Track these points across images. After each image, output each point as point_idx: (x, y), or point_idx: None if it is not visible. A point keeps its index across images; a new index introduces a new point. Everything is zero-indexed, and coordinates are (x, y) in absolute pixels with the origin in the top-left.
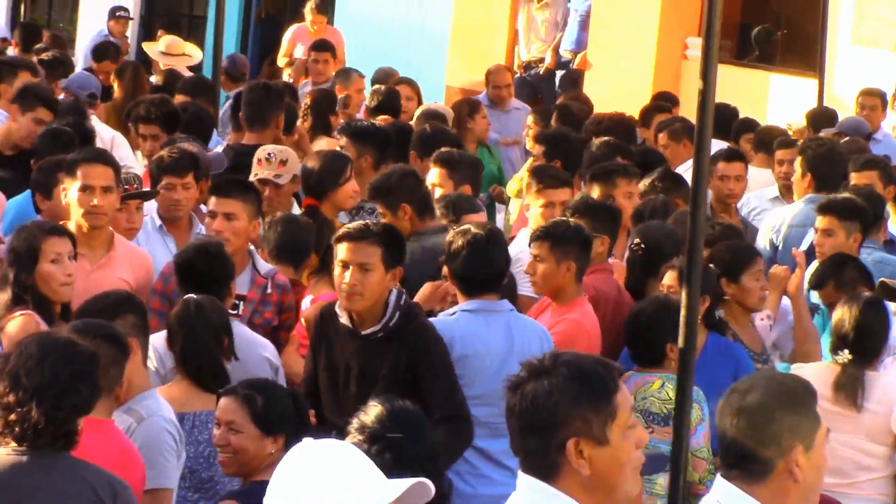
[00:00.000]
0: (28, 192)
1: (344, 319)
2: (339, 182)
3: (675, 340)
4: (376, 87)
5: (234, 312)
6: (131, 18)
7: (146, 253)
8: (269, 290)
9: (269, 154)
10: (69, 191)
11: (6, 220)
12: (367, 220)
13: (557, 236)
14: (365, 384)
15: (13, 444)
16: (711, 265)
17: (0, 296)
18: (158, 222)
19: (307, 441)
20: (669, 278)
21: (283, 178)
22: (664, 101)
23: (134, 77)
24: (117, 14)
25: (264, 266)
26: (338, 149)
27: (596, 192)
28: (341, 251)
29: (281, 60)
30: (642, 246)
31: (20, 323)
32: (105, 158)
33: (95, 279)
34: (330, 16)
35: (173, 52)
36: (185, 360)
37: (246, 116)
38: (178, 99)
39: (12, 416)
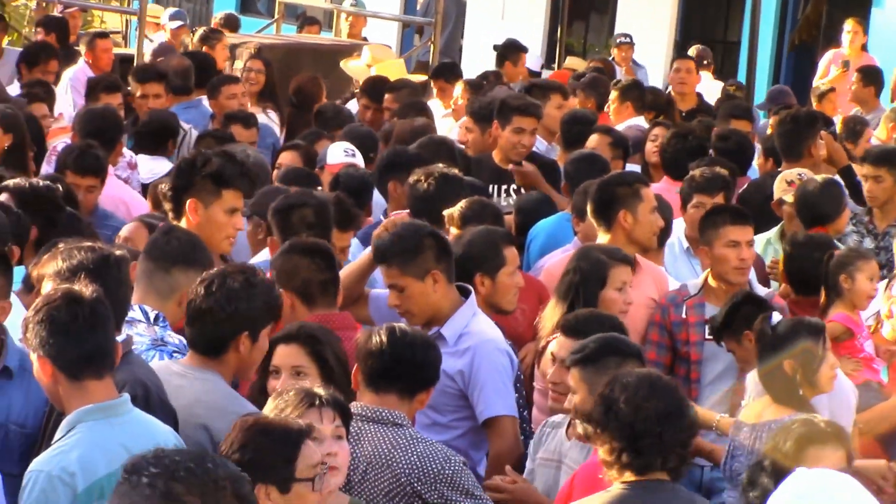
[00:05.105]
0: (561, 215)
1: None
2: (840, 210)
3: None
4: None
5: None
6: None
7: (663, 271)
8: None
9: (799, 174)
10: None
11: (536, 243)
12: None
13: None
14: None
15: (628, 476)
16: None
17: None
18: (685, 245)
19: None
20: None
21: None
22: None
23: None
24: (618, 41)
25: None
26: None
27: None
28: None
29: (816, 82)
30: None
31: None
32: None
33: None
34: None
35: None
36: None
37: (780, 148)
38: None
39: (627, 447)
